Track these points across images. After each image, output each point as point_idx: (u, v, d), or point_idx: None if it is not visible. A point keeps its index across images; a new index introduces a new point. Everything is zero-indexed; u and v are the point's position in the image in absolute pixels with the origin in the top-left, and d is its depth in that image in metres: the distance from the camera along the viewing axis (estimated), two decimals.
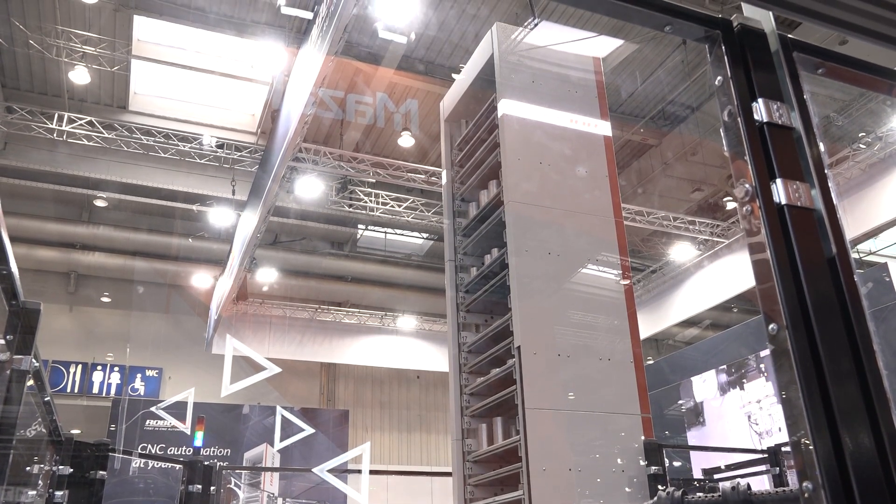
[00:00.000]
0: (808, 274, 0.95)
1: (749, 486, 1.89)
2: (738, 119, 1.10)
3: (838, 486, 0.85)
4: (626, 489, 3.95)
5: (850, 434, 0.88)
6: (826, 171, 1.08)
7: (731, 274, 15.06)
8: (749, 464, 5.93)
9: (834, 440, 0.88)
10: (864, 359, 0.93)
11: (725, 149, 1.14)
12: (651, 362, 15.56)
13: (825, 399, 0.91)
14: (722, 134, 1.15)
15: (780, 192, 1.02)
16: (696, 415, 12.58)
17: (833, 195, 1.06)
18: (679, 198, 15.66)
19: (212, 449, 13.01)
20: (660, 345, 19.97)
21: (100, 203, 15.23)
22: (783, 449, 5.07)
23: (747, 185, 1.05)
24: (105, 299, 16.85)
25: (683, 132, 14.01)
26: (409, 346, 18.52)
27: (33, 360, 2.10)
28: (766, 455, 5.01)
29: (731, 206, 15.66)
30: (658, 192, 15.25)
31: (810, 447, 0.89)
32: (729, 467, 6.14)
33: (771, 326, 0.96)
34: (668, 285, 17.14)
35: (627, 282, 4.57)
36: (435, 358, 17.97)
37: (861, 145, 12.35)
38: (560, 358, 4.09)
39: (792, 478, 5.49)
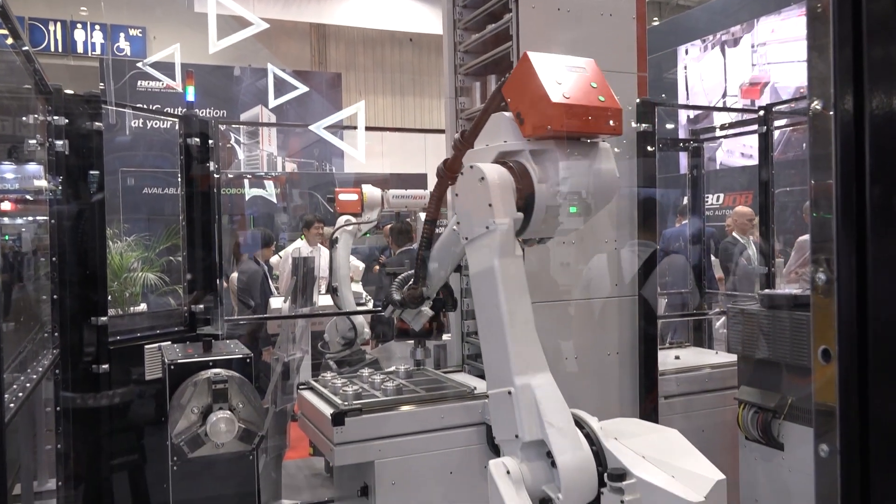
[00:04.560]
0: None
1: None
2: None
3: (851, 150, 0.82)
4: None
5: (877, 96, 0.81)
6: None
7: None
8: (739, 124, 6.02)
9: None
10: None
11: None
12: (656, 23, 14.95)
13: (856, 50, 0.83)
14: None
15: None
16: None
17: None
18: None
19: (207, 110, 13.11)
20: (663, 7, 19.09)
21: None
22: (774, 109, 5.10)
23: None
24: None
25: None
26: (402, 5, 17.67)
27: None
28: (757, 115, 5.06)
29: None
30: None
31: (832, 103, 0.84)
32: (723, 127, 6.23)
33: None
34: None
35: None
36: (428, 19, 17.27)
37: None
38: (560, 12, 3.90)
39: (778, 136, 5.62)
